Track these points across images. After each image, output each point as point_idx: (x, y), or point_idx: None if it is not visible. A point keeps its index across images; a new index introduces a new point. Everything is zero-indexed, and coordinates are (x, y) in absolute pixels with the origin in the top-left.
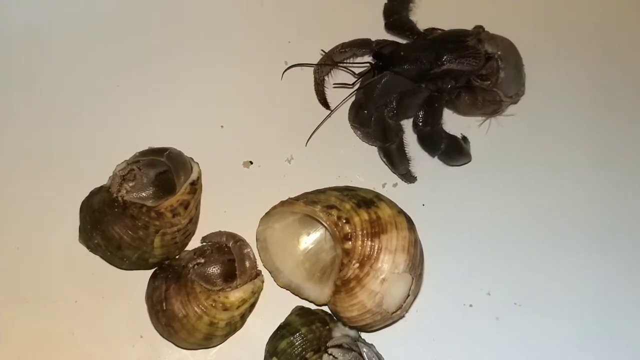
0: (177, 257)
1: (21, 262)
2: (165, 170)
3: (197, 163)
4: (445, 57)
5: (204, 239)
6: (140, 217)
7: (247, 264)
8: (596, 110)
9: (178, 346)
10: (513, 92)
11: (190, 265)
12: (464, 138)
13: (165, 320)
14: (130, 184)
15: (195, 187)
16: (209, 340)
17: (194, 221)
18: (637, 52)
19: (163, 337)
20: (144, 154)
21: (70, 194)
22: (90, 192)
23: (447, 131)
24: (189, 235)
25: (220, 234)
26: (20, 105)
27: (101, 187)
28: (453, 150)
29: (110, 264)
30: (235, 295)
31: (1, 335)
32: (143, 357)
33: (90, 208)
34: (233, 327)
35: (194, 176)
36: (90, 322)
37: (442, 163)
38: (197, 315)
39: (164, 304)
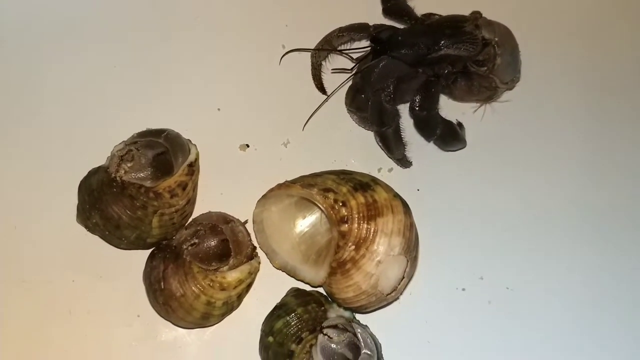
0: (173, 237)
1: (18, 242)
2: (163, 152)
3: (195, 145)
4: (442, 43)
5: (194, 221)
6: (139, 197)
7: (241, 244)
8: (591, 96)
9: (175, 325)
10: (509, 78)
11: (185, 247)
12: (459, 124)
13: (163, 299)
14: (129, 165)
15: (193, 169)
16: (206, 319)
17: (191, 202)
18: (633, 38)
19: (160, 315)
20: (142, 135)
21: (68, 174)
22: (89, 172)
23: (443, 117)
24: (186, 216)
25: (209, 215)
26: (19, 86)
27: (99, 167)
28: (448, 136)
29: (109, 243)
30: (233, 275)
31: None
32: (140, 336)
33: (89, 188)
34: (230, 306)
35: (191, 158)
36: (88, 301)
37: (437, 148)
38: (194, 294)
39: (162, 283)
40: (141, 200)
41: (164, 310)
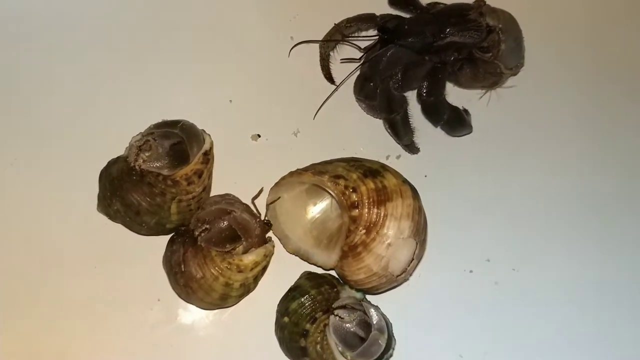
0: (190, 223)
1: (42, 231)
2: (179, 142)
3: (209, 135)
4: (448, 30)
5: (197, 222)
6: (157, 185)
7: (248, 228)
8: (595, 81)
9: (196, 306)
10: (513, 64)
11: (197, 233)
12: (465, 110)
13: (184, 281)
14: (147, 154)
15: (208, 157)
16: (224, 300)
17: (207, 190)
18: (637, 24)
19: (181, 298)
20: (158, 126)
21: (87, 165)
22: (108, 162)
23: (450, 103)
24: (202, 203)
25: (210, 212)
26: (39, 78)
27: (118, 157)
28: (455, 121)
29: (129, 229)
30: (249, 258)
31: (23, 300)
32: (160, 319)
33: (109, 176)
34: (247, 288)
35: (206, 146)
36: (109, 286)
37: (444, 136)
38: (213, 276)
39: (182, 266)
40: (160, 188)
41: (185, 292)
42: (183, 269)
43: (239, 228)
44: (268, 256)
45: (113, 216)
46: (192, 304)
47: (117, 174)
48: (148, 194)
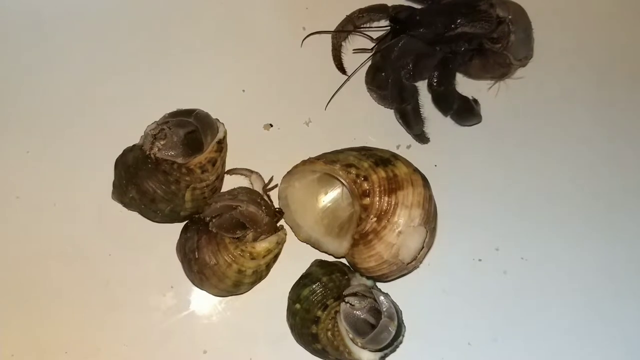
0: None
1: (58, 218)
2: (193, 130)
3: (223, 123)
4: (459, 21)
5: (207, 215)
6: (172, 173)
7: (256, 218)
8: (604, 72)
9: (208, 293)
10: (522, 55)
11: (208, 219)
12: (475, 100)
13: (198, 267)
14: (162, 142)
15: (222, 146)
16: (237, 287)
17: (220, 178)
18: None
19: (195, 284)
20: (173, 115)
21: (103, 154)
22: (124, 150)
23: (459, 93)
24: (216, 191)
25: (215, 209)
26: (58, 69)
27: (134, 145)
28: (464, 110)
29: (144, 216)
30: (262, 245)
31: (40, 285)
32: (173, 305)
33: (125, 164)
34: (259, 275)
35: (220, 135)
36: (123, 273)
37: (454, 126)
38: (226, 263)
39: (196, 253)
40: (174, 176)
41: (198, 279)
42: (197, 256)
43: (246, 221)
44: (280, 244)
45: (128, 204)
46: (205, 290)
47: (133, 162)
48: (163, 182)
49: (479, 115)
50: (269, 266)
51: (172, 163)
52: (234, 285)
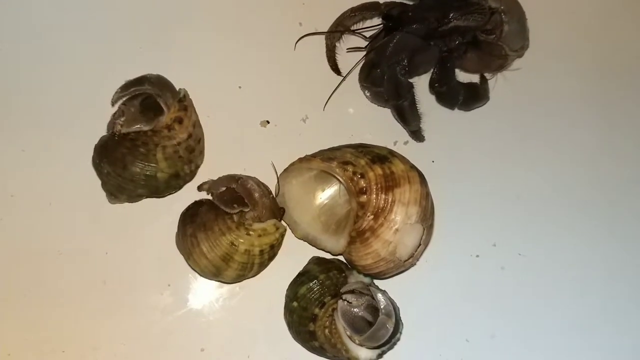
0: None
1: (54, 217)
2: (147, 97)
3: (183, 88)
4: (451, 15)
5: (208, 191)
6: (139, 138)
7: (256, 195)
8: (601, 61)
9: (195, 269)
10: (518, 45)
11: (209, 191)
12: (483, 78)
13: (192, 230)
14: (122, 119)
15: (185, 104)
16: (225, 264)
17: (194, 138)
18: None
19: (183, 255)
20: (125, 88)
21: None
22: (95, 145)
23: (460, 82)
24: (192, 151)
25: (219, 182)
26: (50, 68)
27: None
28: (470, 99)
29: (127, 195)
30: (259, 225)
31: (37, 285)
32: (171, 304)
33: (96, 150)
34: (251, 261)
35: (180, 95)
36: (120, 272)
37: (451, 122)
38: (221, 231)
39: (195, 217)
40: (141, 140)
41: (190, 244)
42: (194, 220)
43: (246, 195)
44: (279, 229)
45: (106, 181)
46: (192, 265)
47: (101, 143)
48: (130, 147)
49: (485, 97)
50: (262, 254)
51: (137, 132)
52: (222, 259)
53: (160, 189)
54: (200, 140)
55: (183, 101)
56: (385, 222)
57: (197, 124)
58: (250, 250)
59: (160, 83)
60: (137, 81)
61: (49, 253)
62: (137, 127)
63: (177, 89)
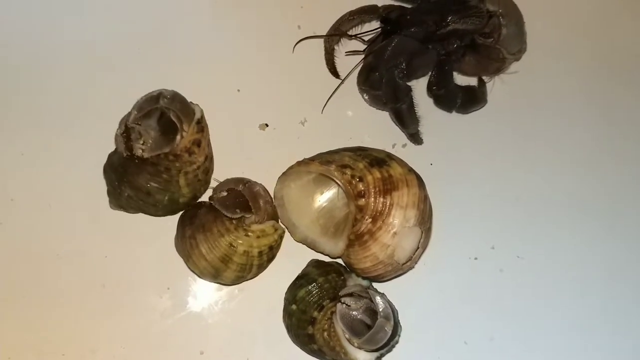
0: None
1: (53, 220)
2: (162, 113)
3: (197, 105)
4: (449, 18)
5: (215, 191)
6: (161, 163)
7: (261, 201)
8: (599, 63)
9: (194, 270)
10: (515, 49)
11: (212, 194)
12: (480, 81)
13: (191, 232)
14: (141, 143)
15: (202, 125)
16: (224, 265)
17: (209, 159)
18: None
19: (182, 257)
20: (139, 109)
21: (98, 155)
22: (109, 155)
23: (458, 85)
24: (208, 172)
25: (227, 182)
26: (49, 71)
27: (115, 148)
28: (467, 102)
29: (146, 213)
30: (258, 226)
31: (36, 288)
32: (170, 307)
33: (112, 166)
34: (249, 262)
35: (197, 115)
36: (120, 275)
37: (449, 124)
38: (219, 232)
39: (194, 219)
40: (164, 165)
41: (188, 245)
42: (194, 221)
43: (251, 198)
44: (277, 230)
45: (126, 205)
46: (191, 266)
47: (119, 162)
48: (154, 173)
49: (483, 100)
50: (261, 255)
51: (157, 155)
52: (221, 260)
53: (178, 210)
54: (212, 158)
55: (200, 122)
56: (384, 226)
57: (209, 143)
58: (249, 252)
59: (176, 101)
60: (151, 99)
61: (48, 256)
62: (157, 150)
63: (191, 106)
